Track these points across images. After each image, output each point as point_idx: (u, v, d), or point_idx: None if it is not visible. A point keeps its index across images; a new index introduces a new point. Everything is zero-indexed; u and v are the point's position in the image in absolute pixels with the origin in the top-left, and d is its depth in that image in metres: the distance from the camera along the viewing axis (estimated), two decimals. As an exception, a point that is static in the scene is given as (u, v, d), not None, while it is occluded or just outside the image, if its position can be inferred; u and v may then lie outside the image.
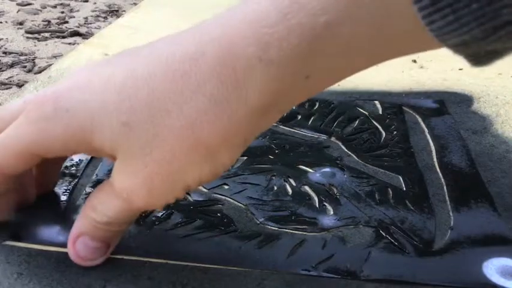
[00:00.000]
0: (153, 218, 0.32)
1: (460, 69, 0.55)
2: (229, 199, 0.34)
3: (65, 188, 0.35)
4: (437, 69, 0.56)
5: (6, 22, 0.77)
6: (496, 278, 0.27)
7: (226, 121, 0.23)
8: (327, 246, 0.30)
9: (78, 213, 0.30)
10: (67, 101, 0.25)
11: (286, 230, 0.31)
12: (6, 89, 0.60)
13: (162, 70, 0.24)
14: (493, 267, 0.28)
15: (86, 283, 0.27)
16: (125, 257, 0.29)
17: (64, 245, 0.28)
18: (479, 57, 0.20)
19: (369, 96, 0.50)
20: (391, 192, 0.35)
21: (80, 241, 0.27)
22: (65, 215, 0.32)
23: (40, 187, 0.32)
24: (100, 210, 0.26)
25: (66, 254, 0.28)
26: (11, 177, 0.28)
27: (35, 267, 0.28)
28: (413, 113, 0.46)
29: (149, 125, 0.24)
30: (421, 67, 0.57)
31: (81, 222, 0.28)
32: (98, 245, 0.27)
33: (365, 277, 0.27)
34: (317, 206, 0.33)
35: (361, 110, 0.46)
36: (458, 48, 0.20)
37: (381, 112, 0.46)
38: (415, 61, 0.58)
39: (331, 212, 0.32)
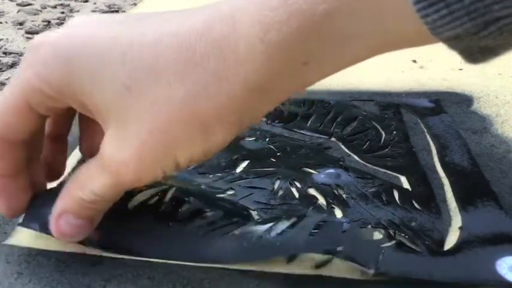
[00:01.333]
0: (165, 209, 0.31)
1: (460, 69, 0.55)
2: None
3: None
4: (437, 69, 0.56)
5: (6, 22, 0.77)
6: (510, 277, 0.27)
7: (224, 97, 0.24)
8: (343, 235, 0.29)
9: None
10: (67, 49, 0.24)
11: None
12: (6, 89, 0.60)
13: (168, 40, 0.24)
14: (506, 266, 0.28)
15: (86, 283, 0.27)
16: (126, 257, 0.29)
17: None
18: (473, 53, 0.21)
19: (369, 96, 0.50)
20: (397, 193, 0.34)
21: (63, 218, 0.27)
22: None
23: (48, 177, 0.32)
24: (88, 187, 0.26)
25: (66, 254, 0.28)
26: (15, 147, 0.27)
27: (35, 267, 0.28)
28: (411, 113, 0.46)
29: (149, 92, 0.24)
30: (421, 67, 0.57)
31: (66, 200, 0.27)
32: (81, 223, 0.27)
33: (383, 273, 0.27)
34: (325, 208, 0.33)
35: (359, 110, 0.46)
36: (452, 42, 0.20)
37: (378, 112, 0.46)
38: (415, 61, 0.58)
39: (341, 215, 0.32)
